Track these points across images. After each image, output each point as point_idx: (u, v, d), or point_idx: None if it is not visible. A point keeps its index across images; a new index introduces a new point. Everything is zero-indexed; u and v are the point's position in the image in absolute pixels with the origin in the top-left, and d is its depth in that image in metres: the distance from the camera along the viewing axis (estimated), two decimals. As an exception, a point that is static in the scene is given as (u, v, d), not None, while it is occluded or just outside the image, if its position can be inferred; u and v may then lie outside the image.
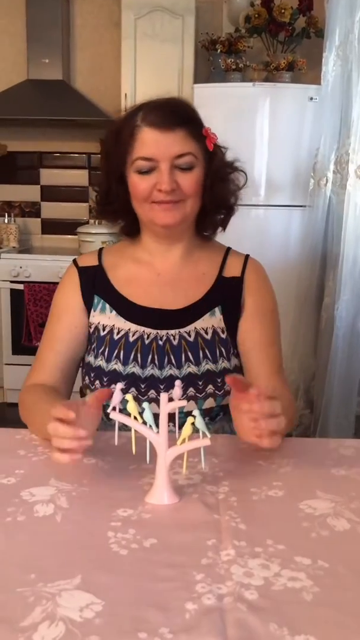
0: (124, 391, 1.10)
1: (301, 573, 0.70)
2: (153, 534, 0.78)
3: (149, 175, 1.09)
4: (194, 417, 0.83)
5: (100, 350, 1.15)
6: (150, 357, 1.13)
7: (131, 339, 1.14)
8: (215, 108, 2.90)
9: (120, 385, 0.88)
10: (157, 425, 0.86)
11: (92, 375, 1.16)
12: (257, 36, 3.20)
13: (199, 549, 0.74)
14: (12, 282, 3.34)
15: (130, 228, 1.21)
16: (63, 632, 0.60)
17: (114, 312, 1.17)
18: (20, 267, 3.33)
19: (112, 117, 3.40)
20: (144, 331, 1.15)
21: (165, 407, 0.86)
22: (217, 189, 1.15)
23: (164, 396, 0.86)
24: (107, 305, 1.17)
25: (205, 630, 0.60)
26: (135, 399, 0.91)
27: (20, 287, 3.32)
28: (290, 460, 1.00)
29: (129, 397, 0.87)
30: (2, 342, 3.41)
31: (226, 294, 1.19)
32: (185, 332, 1.15)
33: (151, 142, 1.08)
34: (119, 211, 1.19)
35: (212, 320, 1.16)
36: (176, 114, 1.10)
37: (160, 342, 1.14)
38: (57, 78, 3.52)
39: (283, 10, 3.04)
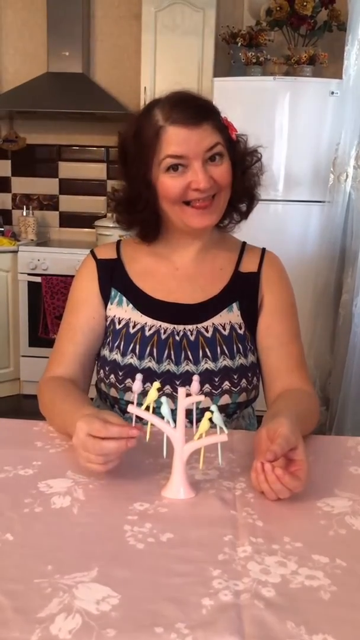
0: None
1: (319, 571, 0.70)
2: (169, 528, 0.77)
3: (180, 175, 1.06)
4: (212, 412, 0.83)
5: (116, 344, 1.15)
6: (166, 352, 1.12)
7: (147, 333, 1.14)
8: (235, 102, 2.89)
9: (140, 376, 0.88)
10: (174, 420, 0.86)
11: (107, 369, 1.16)
12: (278, 29, 3.18)
13: (216, 545, 0.74)
14: (29, 274, 3.36)
15: (152, 231, 1.16)
16: (80, 624, 0.60)
17: (130, 305, 1.16)
18: (38, 260, 3.35)
19: (131, 111, 3.40)
20: (160, 326, 1.14)
21: (183, 402, 0.85)
22: (244, 177, 1.14)
23: (181, 391, 0.86)
24: (124, 298, 1.17)
25: (222, 627, 0.60)
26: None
27: (38, 279, 3.34)
28: (308, 458, 0.99)
29: (156, 384, 0.87)
30: (19, 334, 3.44)
31: (243, 290, 1.18)
32: (203, 327, 1.14)
33: (180, 140, 1.05)
34: (148, 218, 1.13)
35: (230, 316, 1.16)
36: (200, 109, 1.08)
37: (177, 338, 1.13)
38: (76, 71, 3.53)
39: (305, 3, 3.00)
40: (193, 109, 1.07)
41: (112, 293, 1.18)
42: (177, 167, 1.06)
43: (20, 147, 3.83)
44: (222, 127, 1.10)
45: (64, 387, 1.10)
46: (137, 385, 0.86)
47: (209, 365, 1.12)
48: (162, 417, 0.86)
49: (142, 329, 1.14)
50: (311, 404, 1.11)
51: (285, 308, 1.18)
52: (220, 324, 1.15)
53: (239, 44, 3.19)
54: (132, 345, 1.14)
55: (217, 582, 0.67)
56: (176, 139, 1.05)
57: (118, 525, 0.78)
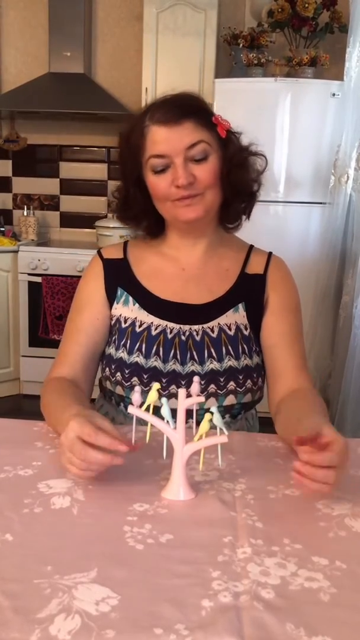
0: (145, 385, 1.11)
1: (318, 573, 0.70)
2: (169, 529, 0.77)
3: (165, 174, 1.08)
4: (212, 413, 0.83)
5: (122, 342, 1.15)
6: (172, 352, 1.13)
7: (154, 333, 1.14)
8: (236, 103, 2.89)
9: (138, 389, 0.88)
10: (174, 421, 0.86)
11: (113, 367, 1.16)
12: (280, 31, 3.18)
13: (215, 546, 0.74)
14: (30, 274, 3.36)
15: (155, 228, 1.20)
16: (79, 625, 0.60)
17: (137, 304, 1.17)
18: (39, 260, 3.34)
19: (132, 111, 3.40)
20: (166, 325, 1.14)
21: (183, 403, 0.85)
22: (235, 175, 1.12)
23: (182, 392, 0.86)
24: (130, 298, 1.17)
25: (222, 628, 0.60)
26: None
27: (38, 279, 3.33)
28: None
29: (156, 385, 0.87)
30: (19, 334, 3.43)
31: (249, 291, 1.18)
32: (209, 327, 1.14)
33: (161, 139, 1.07)
34: (139, 214, 1.18)
35: (236, 317, 1.16)
36: (181, 107, 1.08)
37: (183, 338, 1.13)
38: (78, 71, 3.53)
39: (307, 5, 3.01)
40: (174, 108, 1.08)
41: (119, 292, 1.19)
42: (163, 168, 1.08)
43: (21, 147, 3.83)
44: (211, 125, 1.10)
45: (62, 386, 1.11)
46: (136, 397, 0.86)
47: (214, 365, 1.12)
48: (162, 418, 0.86)
49: (149, 328, 1.15)
50: (322, 404, 1.11)
51: (290, 308, 1.19)
52: (226, 324, 1.15)
53: (241, 45, 3.19)
54: (138, 343, 1.14)
55: (216, 584, 0.67)
56: (158, 138, 1.08)
57: (118, 526, 0.78)
